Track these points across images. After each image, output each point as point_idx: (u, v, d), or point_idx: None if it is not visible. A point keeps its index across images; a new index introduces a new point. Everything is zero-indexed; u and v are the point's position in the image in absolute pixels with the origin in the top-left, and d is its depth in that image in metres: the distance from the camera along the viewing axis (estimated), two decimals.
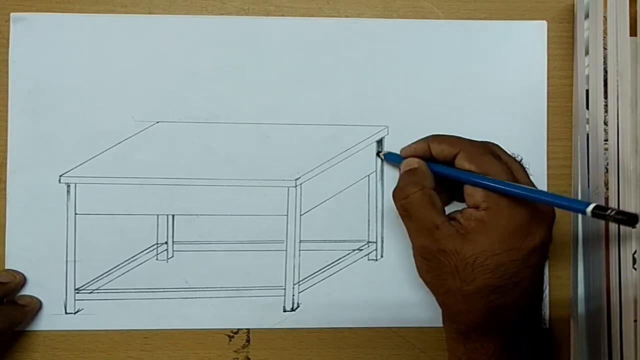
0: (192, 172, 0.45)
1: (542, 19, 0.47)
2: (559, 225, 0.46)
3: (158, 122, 0.46)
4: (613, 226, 0.43)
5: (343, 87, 0.46)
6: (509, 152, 0.41)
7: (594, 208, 0.34)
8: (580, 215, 0.45)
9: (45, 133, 0.45)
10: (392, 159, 0.45)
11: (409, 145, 0.43)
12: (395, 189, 0.40)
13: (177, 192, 0.45)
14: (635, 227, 0.33)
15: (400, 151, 0.43)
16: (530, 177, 0.40)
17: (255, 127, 0.46)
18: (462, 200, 0.39)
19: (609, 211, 0.33)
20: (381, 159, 0.46)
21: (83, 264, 0.45)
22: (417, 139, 0.43)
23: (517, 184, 0.37)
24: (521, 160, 0.41)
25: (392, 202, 0.40)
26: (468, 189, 0.38)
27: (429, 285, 0.40)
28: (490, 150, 0.40)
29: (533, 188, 0.38)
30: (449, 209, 0.40)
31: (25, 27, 0.45)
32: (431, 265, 0.38)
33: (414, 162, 0.41)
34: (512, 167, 0.39)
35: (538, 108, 0.47)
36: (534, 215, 0.37)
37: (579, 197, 0.45)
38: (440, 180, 0.41)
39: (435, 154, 0.41)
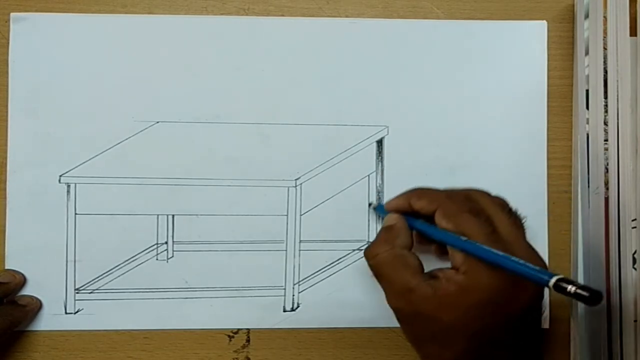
0: (192, 172, 0.45)
1: (542, 19, 0.47)
2: (559, 224, 0.46)
3: (158, 122, 0.46)
4: (613, 226, 0.43)
5: (343, 87, 0.46)
6: (497, 197, 0.38)
7: (557, 281, 0.31)
8: (580, 215, 0.45)
9: (45, 133, 0.45)
10: (381, 211, 0.43)
11: (392, 200, 0.41)
12: (366, 247, 0.39)
13: (177, 192, 0.45)
14: (595, 306, 0.30)
15: (385, 205, 0.42)
16: (525, 223, 0.38)
17: (255, 127, 0.46)
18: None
19: (570, 287, 0.30)
20: (374, 210, 0.45)
21: (83, 264, 0.45)
22: (401, 193, 0.41)
23: (488, 248, 0.34)
24: (510, 206, 0.38)
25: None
26: (449, 249, 0.36)
27: (412, 345, 0.38)
28: (469, 207, 0.37)
29: (501, 254, 0.34)
30: None
31: (25, 27, 0.45)
32: (408, 328, 0.37)
33: (392, 219, 0.40)
34: (495, 222, 0.36)
35: (538, 108, 0.46)
36: (517, 280, 0.34)
37: (579, 197, 0.45)
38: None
39: (416, 209, 0.39)
